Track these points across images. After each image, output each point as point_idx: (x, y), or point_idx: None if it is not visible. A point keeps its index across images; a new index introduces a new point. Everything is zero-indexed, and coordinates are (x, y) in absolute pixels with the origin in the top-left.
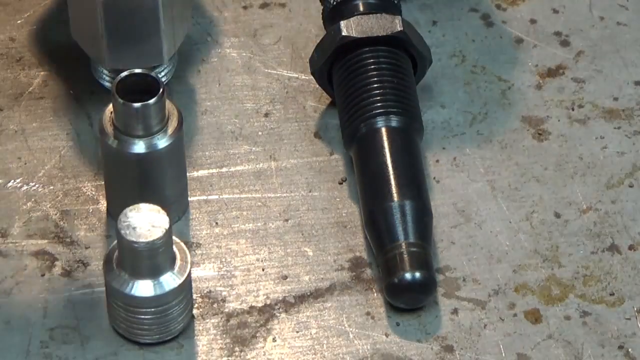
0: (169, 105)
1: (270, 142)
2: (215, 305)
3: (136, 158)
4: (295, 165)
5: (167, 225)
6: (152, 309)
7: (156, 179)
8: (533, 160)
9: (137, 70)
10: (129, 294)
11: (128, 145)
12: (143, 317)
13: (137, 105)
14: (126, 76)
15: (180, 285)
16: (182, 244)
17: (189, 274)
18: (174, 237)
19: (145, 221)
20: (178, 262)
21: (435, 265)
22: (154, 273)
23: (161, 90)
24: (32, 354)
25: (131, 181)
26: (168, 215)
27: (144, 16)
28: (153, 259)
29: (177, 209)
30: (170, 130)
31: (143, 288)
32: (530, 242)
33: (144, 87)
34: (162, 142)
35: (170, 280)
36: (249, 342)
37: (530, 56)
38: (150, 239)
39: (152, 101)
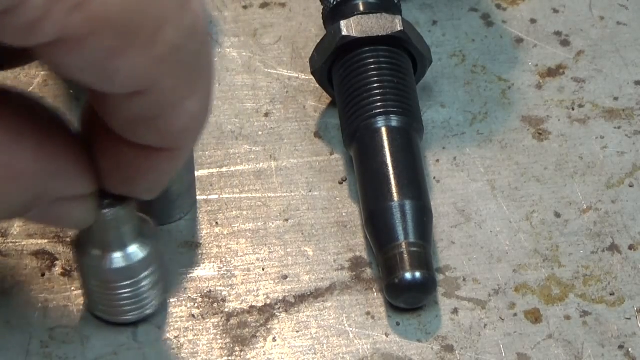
0: None
1: (271, 142)
2: (215, 305)
3: None
4: (295, 165)
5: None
6: (127, 282)
7: None
8: (533, 160)
9: None
10: (103, 269)
11: None
12: (119, 292)
13: None
14: None
15: (149, 255)
16: (145, 216)
17: (156, 243)
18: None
19: (108, 196)
20: (144, 233)
21: (435, 265)
22: (123, 244)
23: None
24: (32, 354)
25: None
26: (172, 212)
27: None
28: (120, 229)
29: (183, 204)
30: None
31: (114, 261)
32: (531, 242)
33: None
34: None
35: (138, 251)
36: (249, 342)
37: (530, 56)
38: (114, 207)
39: None
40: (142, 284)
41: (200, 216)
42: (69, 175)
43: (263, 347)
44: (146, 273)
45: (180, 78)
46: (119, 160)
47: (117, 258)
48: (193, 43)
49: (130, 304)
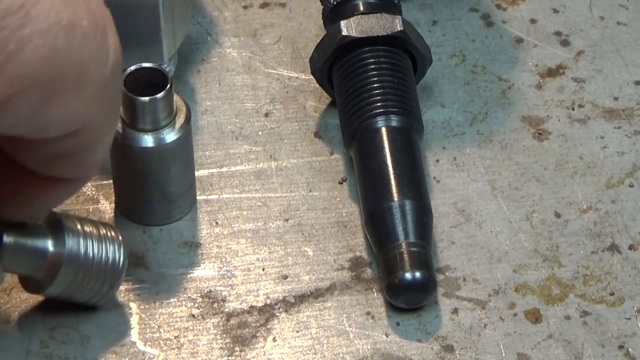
0: (177, 99)
1: (271, 142)
2: (215, 305)
3: (143, 152)
4: (295, 165)
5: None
6: (80, 262)
7: (163, 174)
8: (533, 160)
9: (146, 64)
10: (60, 271)
11: (135, 140)
12: (92, 273)
13: (145, 99)
14: (134, 70)
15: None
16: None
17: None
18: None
19: None
20: (59, 225)
21: (435, 265)
22: (44, 251)
23: (169, 84)
24: (32, 354)
25: (138, 175)
26: (172, 212)
27: (144, 16)
28: (31, 248)
29: (183, 204)
30: (178, 125)
31: (66, 256)
32: (531, 242)
33: (152, 81)
34: (169, 137)
35: (54, 244)
36: (249, 341)
37: (530, 56)
38: (12, 241)
39: (160, 95)
40: (90, 260)
41: (200, 216)
42: None
43: (263, 347)
44: (86, 250)
45: (108, 113)
46: (16, 191)
47: (64, 252)
48: (117, 77)
49: (103, 262)
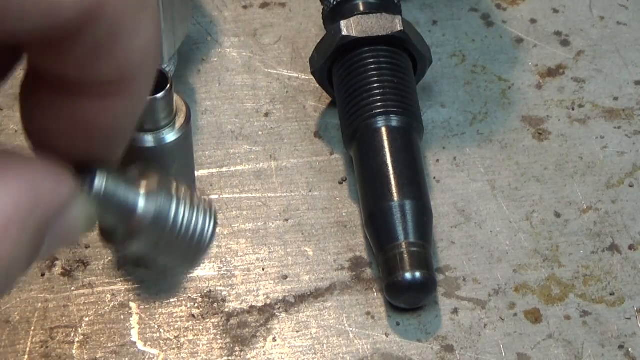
0: (177, 99)
1: (271, 142)
2: (215, 305)
3: (143, 152)
4: (295, 165)
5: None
6: (172, 214)
7: (163, 174)
8: (533, 160)
9: None
10: (147, 224)
11: (135, 139)
12: (177, 227)
13: None
14: None
15: (161, 193)
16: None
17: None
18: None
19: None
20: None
21: (435, 265)
22: (133, 205)
23: (169, 84)
24: (32, 354)
25: None
26: None
27: None
28: (117, 199)
29: None
30: (178, 125)
31: (145, 213)
32: (531, 242)
33: None
34: (169, 137)
35: (147, 202)
36: (249, 341)
37: (530, 56)
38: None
39: (160, 95)
40: (181, 209)
41: None
42: (50, 183)
43: (263, 347)
44: (175, 204)
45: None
46: (75, 118)
47: (145, 211)
48: None
49: (191, 231)
